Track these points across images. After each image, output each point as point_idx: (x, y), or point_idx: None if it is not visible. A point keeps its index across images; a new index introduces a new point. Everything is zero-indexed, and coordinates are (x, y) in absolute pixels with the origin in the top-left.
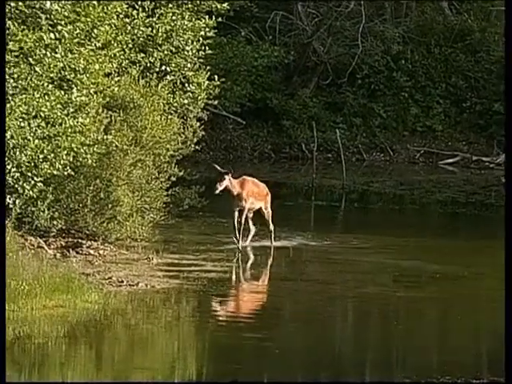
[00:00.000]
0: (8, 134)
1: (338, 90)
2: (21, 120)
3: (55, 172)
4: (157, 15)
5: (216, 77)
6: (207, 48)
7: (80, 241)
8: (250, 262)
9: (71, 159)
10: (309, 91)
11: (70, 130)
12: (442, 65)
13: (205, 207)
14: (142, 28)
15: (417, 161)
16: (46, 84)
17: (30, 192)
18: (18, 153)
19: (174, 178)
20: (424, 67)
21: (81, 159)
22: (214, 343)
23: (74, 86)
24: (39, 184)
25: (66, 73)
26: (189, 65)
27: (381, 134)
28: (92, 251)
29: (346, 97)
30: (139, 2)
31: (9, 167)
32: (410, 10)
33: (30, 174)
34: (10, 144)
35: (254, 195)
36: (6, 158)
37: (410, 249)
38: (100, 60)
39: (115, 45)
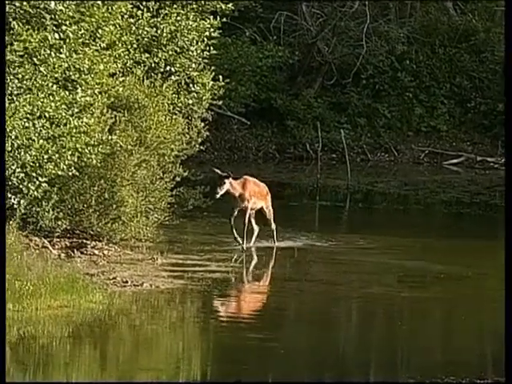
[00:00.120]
0: (13, 135)
1: (342, 90)
2: (25, 120)
3: (60, 172)
4: (161, 15)
5: (220, 77)
6: (212, 48)
7: (84, 241)
8: (254, 262)
9: (76, 159)
10: (313, 91)
11: (74, 131)
12: (446, 65)
13: (209, 207)
14: (146, 28)
15: (421, 161)
16: (50, 84)
17: (35, 192)
18: (22, 153)
19: (178, 179)
20: (428, 67)
21: (85, 159)
22: (219, 343)
23: (78, 86)
24: (44, 184)
25: (71, 73)
26: (193, 65)
27: (385, 135)
28: (96, 251)
29: (350, 97)
30: (144, 3)
31: (13, 167)
32: (414, 11)
33: (34, 175)
34: (15, 144)
35: (256, 195)
36: (11, 159)
37: (414, 249)
38: (105, 60)
39: (120, 45)
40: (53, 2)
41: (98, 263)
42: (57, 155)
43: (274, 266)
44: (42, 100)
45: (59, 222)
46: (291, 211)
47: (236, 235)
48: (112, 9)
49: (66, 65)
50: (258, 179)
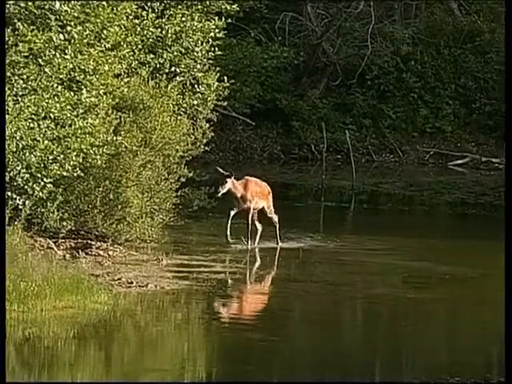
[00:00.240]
0: (17, 135)
1: (347, 91)
2: (30, 121)
3: (65, 173)
4: (166, 16)
5: (225, 78)
6: (217, 49)
7: (89, 242)
8: (259, 263)
9: (81, 160)
10: (318, 92)
11: (79, 131)
12: (451, 66)
13: (214, 208)
14: (151, 29)
15: (426, 162)
16: (55, 85)
17: (40, 193)
18: (27, 154)
19: (183, 179)
20: (433, 68)
21: (90, 160)
22: (224, 344)
23: (83, 87)
24: (49, 185)
25: (76, 74)
26: (198, 66)
27: (390, 135)
28: (101, 252)
29: (355, 98)
30: (149, 3)
31: (18, 168)
32: (419, 11)
33: (39, 175)
34: (20, 145)
35: (258, 195)
36: (16, 159)
37: (419, 250)
38: (109, 61)
39: (125, 46)
40: (58, 3)
41: (102, 264)
42: (62, 156)
43: (279, 266)
44: (46, 101)
45: (64, 223)
46: (296, 212)
47: (228, 234)
48: (117, 9)
49: (71, 65)
50: (261, 179)
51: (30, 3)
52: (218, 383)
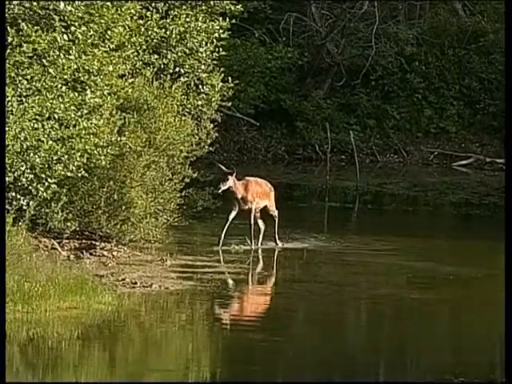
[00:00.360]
0: (22, 136)
1: (351, 91)
2: (34, 121)
3: (69, 174)
4: (170, 17)
5: (230, 78)
6: (221, 49)
7: (94, 242)
8: (263, 263)
9: (85, 161)
10: (322, 93)
11: (83, 132)
12: (455, 66)
13: (218, 209)
14: (155, 29)
15: (430, 162)
16: (59, 85)
17: (44, 194)
18: (31, 154)
19: (187, 180)
20: (437, 69)
21: (94, 161)
22: (228, 344)
23: (87, 87)
24: (53, 186)
25: (80, 74)
26: (202, 66)
27: (394, 136)
28: (106, 253)
29: (359, 98)
30: (153, 4)
31: (22, 169)
32: (423, 12)
33: (43, 176)
34: (24, 146)
35: (259, 195)
36: (20, 160)
37: (423, 250)
38: (114, 61)
39: (129, 46)
40: (62, 3)
41: (107, 264)
42: (66, 156)
43: (283, 267)
44: (51, 101)
45: (68, 224)
46: (300, 212)
47: (222, 238)
48: (121, 10)
49: (75, 66)
50: (266, 179)
51: (34, 4)
52: (223, 383)
